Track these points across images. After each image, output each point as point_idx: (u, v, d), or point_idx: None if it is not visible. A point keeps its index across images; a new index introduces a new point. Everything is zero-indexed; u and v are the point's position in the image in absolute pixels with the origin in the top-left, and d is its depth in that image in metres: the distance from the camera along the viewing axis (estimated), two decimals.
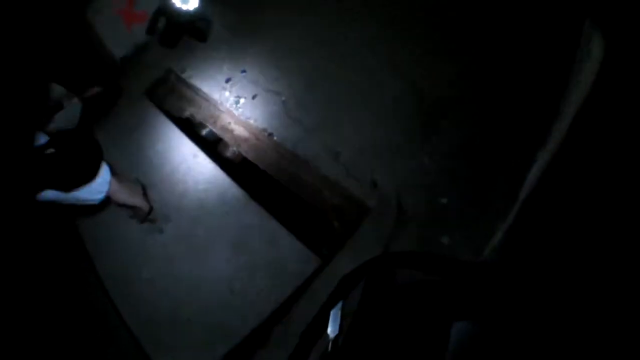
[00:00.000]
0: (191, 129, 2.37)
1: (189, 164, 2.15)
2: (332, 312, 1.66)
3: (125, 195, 1.85)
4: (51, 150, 1.58)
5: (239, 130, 2.25)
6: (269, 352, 1.78)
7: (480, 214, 1.76)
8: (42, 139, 1.58)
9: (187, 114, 2.43)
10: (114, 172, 1.78)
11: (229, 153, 2.24)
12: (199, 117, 2.39)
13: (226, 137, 2.26)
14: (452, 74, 2.03)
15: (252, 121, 2.26)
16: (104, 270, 1.99)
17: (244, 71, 2.40)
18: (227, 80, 2.42)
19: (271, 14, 2.53)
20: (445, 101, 1.99)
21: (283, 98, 2.23)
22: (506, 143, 1.80)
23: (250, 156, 2.15)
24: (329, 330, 1.59)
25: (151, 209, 2.04)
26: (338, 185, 1.96)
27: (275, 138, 2.16)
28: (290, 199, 2.03)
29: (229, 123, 2.29)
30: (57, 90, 2.04)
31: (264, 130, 2.20)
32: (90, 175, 1.67)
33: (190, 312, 1.80)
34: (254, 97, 2.30)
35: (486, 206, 1.76)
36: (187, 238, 1.97)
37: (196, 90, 2.48)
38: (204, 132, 2.35)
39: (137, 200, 1.94)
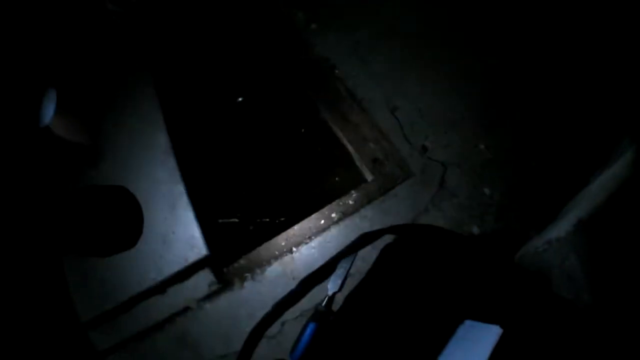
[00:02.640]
0: None
1: None
2: (338, 266, 1.53)
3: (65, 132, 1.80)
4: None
5: (299, 51, 2.08)
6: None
7: (518, 216, 1.70)
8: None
9: None
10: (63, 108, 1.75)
11: None
12: None
13: None
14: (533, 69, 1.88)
15: (316, 47, 2.09)
16: None
17: None
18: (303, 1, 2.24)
19: None
20: (521, 95, 1.85)
21: (357, 38, 2.07)
22: (566, 159, 1.69)
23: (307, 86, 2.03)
24: (329, 284, 1.47)
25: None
26: (387, 138, 1.85)
27: (336, 71, 2.01)
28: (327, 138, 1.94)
29: None
30: None
31: (326, 59, 2.04)
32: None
33: None
34: (327, 26, 2.08)
35: (526, 211, 1.68)
36: None
37: None
38: None
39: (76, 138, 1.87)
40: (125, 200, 1.75)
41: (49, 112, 1.67)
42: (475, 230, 1.66)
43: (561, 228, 1.37)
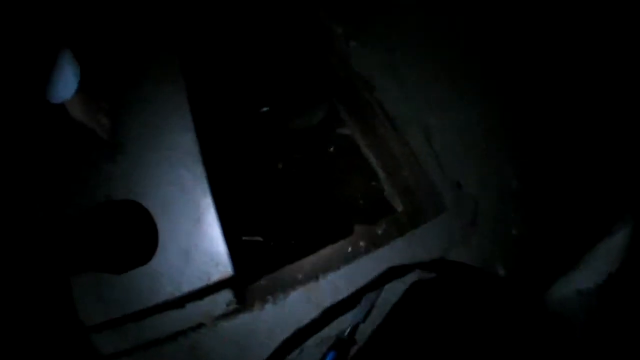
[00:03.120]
0: None
1: None
2: (365, 297, 1.70)
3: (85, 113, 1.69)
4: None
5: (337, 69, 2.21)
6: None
7: (543, 257, 1.78)
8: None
9: None
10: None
11: None
12: None
13: None
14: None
15: (355, 67, 2.18)
16: None
17: None
18: (342, 16, 2.30)
19: None
20: (562, 134, 1.97)
21: (395, 58, 2.15)
22: (593, 204, 1.81)
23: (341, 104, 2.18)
24: (353, 314, 1.63)
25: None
26: (421, 167, 1.94)
27: (374, 93, 2.08)
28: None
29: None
30: None
31: (364, 79, 2.12)
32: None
33: None
34: (365, 44, 2.19)
35: (551, 252, 1.77)
36: None
37: None
38: None
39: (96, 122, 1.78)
40: (137, 217, 1.72)
41: (68, 84, 1.48)
42: (501, 269, 1.75)
43: (590, 278, 1.56)
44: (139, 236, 1.74)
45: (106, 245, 1.66)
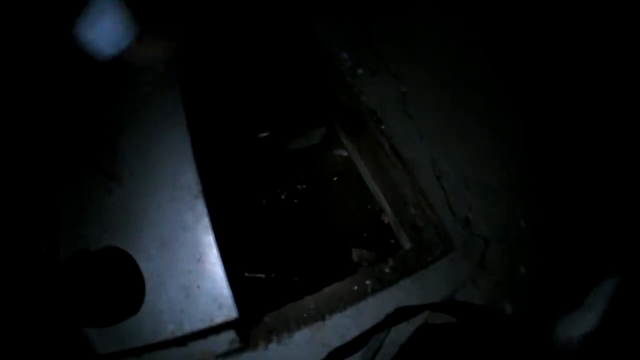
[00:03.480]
0: None
1: None
2: (372, 339, 1.82)
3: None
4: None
5: (345, 101, 2.27)
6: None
7: (550, 296, 1.86)
8: None
9: None
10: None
11: None
12: None
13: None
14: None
15: (362, 97, 2.26)
16: None
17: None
18: (349, 41, 2.42)
19: None
20: (573, 172, 2.08)
21: (404, 89, 2.25)
22: (600, 244, 1.92)
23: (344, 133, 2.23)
24: (360, 356, 1.65)
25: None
26: (430, 205, 2.00)
27: (382, 126, 2.18)
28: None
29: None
30: None
31: (372, 110, 2.23)
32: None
33: None
34: (373, 73, 2.31)
35: (560, 292, 1.84)
36: None
37: None
38: None
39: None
40: (121, 265, 1.74)
41: (121, 28, 1.37)
42: (508, 308, 1.83)
43: (594, 319, 1.71)
44: (123, 286, 1.75)
45: (89, 299, 1.67)
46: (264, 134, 2.39)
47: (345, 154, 2.56)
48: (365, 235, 2.25)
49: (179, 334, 1.73)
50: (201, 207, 1.89)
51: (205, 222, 1.87)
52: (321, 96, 2.33)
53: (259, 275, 2.11)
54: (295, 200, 2.34)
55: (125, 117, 2.03)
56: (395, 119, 2.20)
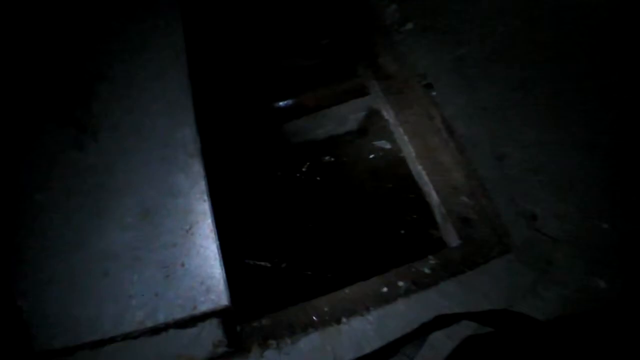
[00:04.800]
0: None
1: None
2: (401, 351, 1.73)
3: None
4: None
5: (388, 64, 2.33)
6: None
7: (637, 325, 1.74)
8: None
9: None
10: None
11: None
12: None
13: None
14: None
15: (411, 58, 2.28)
16: None
17: None
18: None
19: None
20: None
21: (462, 50, 2.26)
22: None
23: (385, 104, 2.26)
24: None
25: None
26: (486, 194, 2.00)
27: (432, 93, 2.23)
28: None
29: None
30: None
31: (421, 74, 2.28)
32: None
33: None
34: (425, 29, 2.34)
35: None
36: None
37: None
38: None
39: None
40: None
41: None
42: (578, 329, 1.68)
43: None
44: None
45: None
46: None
47: (388, 146, 2.63)
48: (403, 230, 2.29)
49: (149, 324, 1.74)
50: (197, 169, 1.94)
51: (201, 187, 1.93)
52: (358, 55, 2.35)
53: (263, 263, 2.13)
54: (318, 177, 2.39)
55: (108, 58, 2.11)
56: (450, 87, 2.19)
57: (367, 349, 1.76)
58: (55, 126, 1.97)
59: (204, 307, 1.80)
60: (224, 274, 1.83)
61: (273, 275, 2.24)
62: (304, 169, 2.52)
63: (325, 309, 1.92)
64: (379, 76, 2.36)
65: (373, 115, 2.65)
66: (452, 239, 2.07)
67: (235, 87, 2.49)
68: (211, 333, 1.82)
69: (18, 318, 1.75)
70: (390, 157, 2.53)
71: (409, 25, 2.37)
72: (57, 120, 1.97)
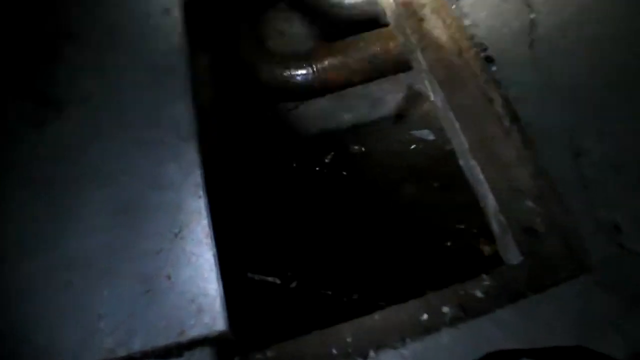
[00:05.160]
0: None
1: None
2: None
3: None
4: None
5: (436, 30, 2.22)
6: None
7: None
8: None
9: None
10: None
11: None
12: None
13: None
14: None
15: (466, 22, 2.14)
16: None
17: None
18: None
19: None
20: None
21: (533, 15, 2.11)
22: None
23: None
24: None
25: None
26: (558, 198, 1.85)
27: (493, 69, 2.08)
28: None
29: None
30: None
31: (480, 46, 2.14)
32: None
33: None
34: None
35: None
36: None
37: None
38: None
39: None
40: None
41: None
42: None
43: None
44: None
45: None
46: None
47: (431, 137, 2.51)
48: (450, 242, 2.16)
49: (121, 353, 1.63)
50: (192, 156, 1.89)
51: (196, 179, 1.86)
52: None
53: (271, 278, 2.01)
54: (344, 172, 2.28)
55: (77, 10, 2.05)
56: (516, 62, 2.08)
57: None
58: (8, 98, 1.87)
59: (193, 332, 1.66)
60: (221, 291, 1.71)
61: (283, 294, 2.14)
62: (325, 161, 2.44)
63: (348, 340, 1.78)
64: (423, 45, 2.27)
65: (414, 96, 2.56)
66: (513, 254, 1.92)
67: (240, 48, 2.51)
68: None
69: None
70: (434, 151, 2.46)
71: None
72: (9, 90, 1.87)
